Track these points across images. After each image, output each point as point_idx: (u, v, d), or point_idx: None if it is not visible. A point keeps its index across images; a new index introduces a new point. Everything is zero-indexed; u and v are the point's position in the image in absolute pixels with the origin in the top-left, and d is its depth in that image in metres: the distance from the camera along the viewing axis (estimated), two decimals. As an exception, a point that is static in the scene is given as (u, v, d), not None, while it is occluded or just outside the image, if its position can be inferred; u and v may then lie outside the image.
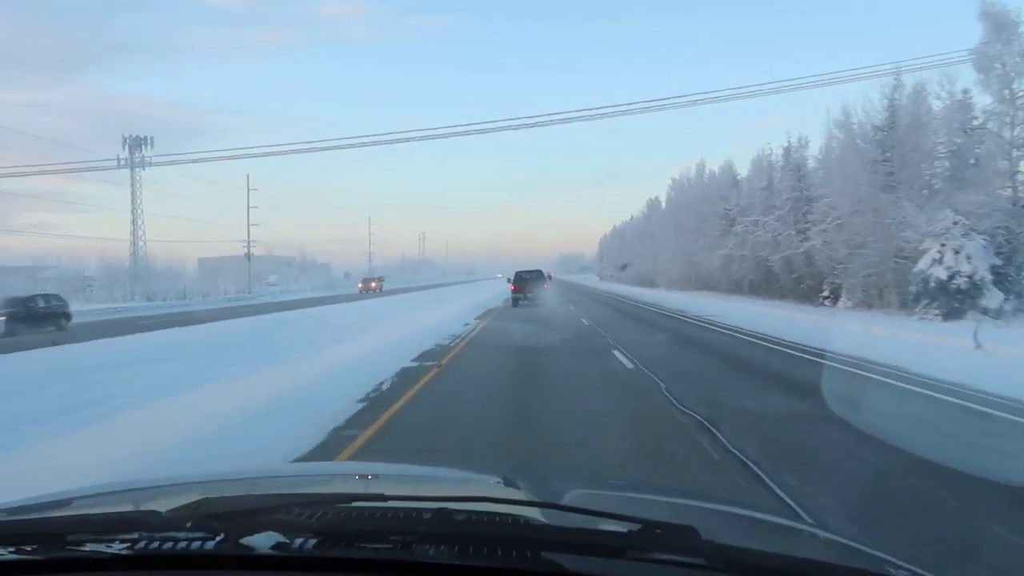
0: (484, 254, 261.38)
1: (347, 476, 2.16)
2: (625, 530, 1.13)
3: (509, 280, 36.88)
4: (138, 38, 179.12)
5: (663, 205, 60.47)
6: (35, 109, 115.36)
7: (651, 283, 56.31)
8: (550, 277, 42.06)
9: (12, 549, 1.08)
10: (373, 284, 73.97)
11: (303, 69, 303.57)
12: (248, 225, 68.84)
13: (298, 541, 1.08)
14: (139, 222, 61.47)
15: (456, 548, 1.07)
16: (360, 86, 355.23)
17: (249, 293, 64.84)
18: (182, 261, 72.22)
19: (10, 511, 1.39)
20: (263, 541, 1.07)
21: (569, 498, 1.37)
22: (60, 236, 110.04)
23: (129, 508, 1.37)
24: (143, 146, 60.50)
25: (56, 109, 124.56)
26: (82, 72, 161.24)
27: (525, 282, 34.82)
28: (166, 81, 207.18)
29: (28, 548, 1.08)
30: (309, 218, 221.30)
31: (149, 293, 57.16)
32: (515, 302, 33.80)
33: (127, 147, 59.92)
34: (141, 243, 61.49)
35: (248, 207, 68.78)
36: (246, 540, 1.07)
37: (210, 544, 1.08)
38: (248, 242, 68.65)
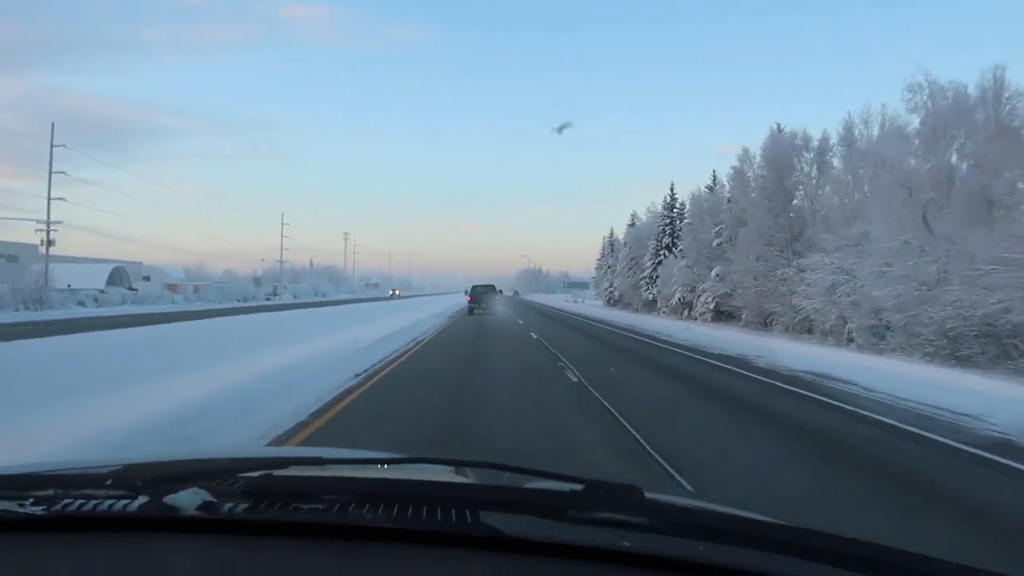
0: (426, 269, 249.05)
1: (293, 454, 2.10)
2: (567, 489, 1.09)
3: (466, 292, 43.93)
4: (85, 31, 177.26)
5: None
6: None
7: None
8: (500, 292, 49.86)
9: None
10: None
11: (253, 71, 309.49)
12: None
13: (228, 504, 1.02)
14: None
15: (394, 511, 1.03)
16: (317, 91, 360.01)
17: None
18: None
19: None
20: (188, 500, 1.01)
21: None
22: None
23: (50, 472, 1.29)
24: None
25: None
26: (21, 63, 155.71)
27: (480, 294, 41.17)
28: (119, 78, 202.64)
29: None
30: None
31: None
32: (471, 311, 38.99)
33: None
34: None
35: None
36: (170, 499, 1.01)
37: (133, 505, 1.03)
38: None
